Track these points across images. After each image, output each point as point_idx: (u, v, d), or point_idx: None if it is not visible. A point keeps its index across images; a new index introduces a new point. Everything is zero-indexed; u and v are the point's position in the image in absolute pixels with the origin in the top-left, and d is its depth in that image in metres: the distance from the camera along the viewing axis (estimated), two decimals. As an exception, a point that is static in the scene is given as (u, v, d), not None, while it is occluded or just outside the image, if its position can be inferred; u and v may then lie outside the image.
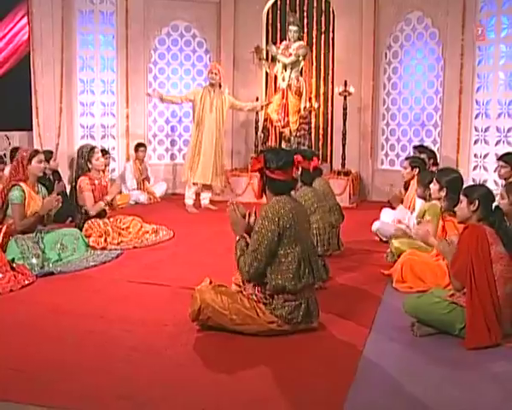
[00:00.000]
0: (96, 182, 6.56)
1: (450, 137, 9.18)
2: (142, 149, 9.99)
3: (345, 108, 9.43)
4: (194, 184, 8.89)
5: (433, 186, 5.09)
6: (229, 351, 3.49)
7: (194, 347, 3.54)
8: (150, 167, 10.29)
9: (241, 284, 4.00)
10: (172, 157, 11.06)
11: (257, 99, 10.07)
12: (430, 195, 5.21)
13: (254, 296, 3.72)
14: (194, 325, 3.77)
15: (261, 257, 3.57)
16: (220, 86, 9.08)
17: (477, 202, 3.75)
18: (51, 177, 8.22)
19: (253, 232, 3.60)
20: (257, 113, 10.12)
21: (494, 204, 3.77)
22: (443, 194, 4.84)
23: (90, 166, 6.55)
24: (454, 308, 3.69)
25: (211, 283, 3.89)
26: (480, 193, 3.79)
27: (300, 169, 4.77)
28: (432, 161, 7.80)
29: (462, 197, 3.84)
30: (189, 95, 9.10)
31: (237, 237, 3.74)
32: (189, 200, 8.94)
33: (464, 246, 3.63)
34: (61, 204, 5.75)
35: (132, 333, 3.72)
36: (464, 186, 4.11)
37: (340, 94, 9.47)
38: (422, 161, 6.61)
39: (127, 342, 3.57)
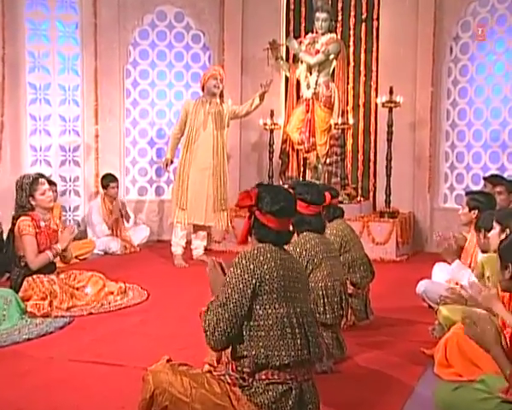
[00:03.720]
0: (43, 224, 6.66)
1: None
2: (113, 185, 10.08)
3: (390, 125, 9.54)
4: (178, 224, 8.99)
5: (493, 231, 5.11)
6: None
7: (140, 449, 3.58)
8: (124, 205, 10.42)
9: (215, 363, 4.05)
10: (158, 192, 11.27)
11: (271, 113, 10.24)
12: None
13: (227, 377, 3.72)
14: (146, 419, 3.81)
15: (230, 316, 3.55)
16: (221, 96, 9.22)
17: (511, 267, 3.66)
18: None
19: (223, 284, 3.62)
20: (271, 131, 10.27)
21: None
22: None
23: (33, 203, 6.66)
24: (508, 410, 3.56)
25: (169, 361, 3.93)
26: None
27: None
28: (512, 195, 7.80)
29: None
30: (183, 116, 9.09)
31: (213, 297, 3.76)
32: (178, 248, 9.06)
33: None
34: None
35: (58, 430, 3.79)
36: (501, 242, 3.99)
37: (383, 105, 9.58)
38: (488, 199, 6.56)
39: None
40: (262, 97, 9.17)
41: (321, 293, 4.90)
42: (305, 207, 4.95)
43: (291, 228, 3.87)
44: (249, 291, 3.55)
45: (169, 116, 11.16)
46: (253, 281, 3.55)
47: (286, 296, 3.65)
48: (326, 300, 4.91)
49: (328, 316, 4.92)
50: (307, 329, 3.75)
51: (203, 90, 9.11)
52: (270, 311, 3.59)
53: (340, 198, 7.97)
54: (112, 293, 6.93)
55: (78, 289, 6.80)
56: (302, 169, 10.67)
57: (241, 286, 3.54)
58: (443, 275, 6.73)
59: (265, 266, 3.58)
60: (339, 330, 5.11)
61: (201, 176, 8.87)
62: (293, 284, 3.73)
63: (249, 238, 3.85)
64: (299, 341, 3.67)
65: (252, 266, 3.55)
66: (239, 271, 3.56)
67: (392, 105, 9.51)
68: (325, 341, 4.88)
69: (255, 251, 3.62)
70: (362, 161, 10.77)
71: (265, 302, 3.59)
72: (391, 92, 9.46)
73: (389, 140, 9.58)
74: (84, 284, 6.88)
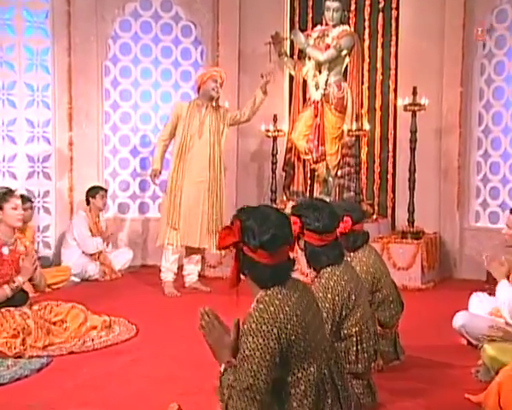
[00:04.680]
0: (6, 251, 6.49)
1: None
2: (102, 193, 10.18)
3: (413, 131, 9.48)
4: (170, 246, 8.91)
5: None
6: None
7: None
8: (105, 224, 10.43)
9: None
10: (142, 209, 11.23)
11: (274, 118, 10.21)
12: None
13: (248, 438, 3.63)
14: None
15: (261, 397, 3.41)
16: (217, 99, 9.16)
17: None
18: None
19: (240, 359, 3.45)
20: (274, 138, 10.24)
21: None
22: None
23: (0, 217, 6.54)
24: None
25: (179, 411, 3.85)
26: None
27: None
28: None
29: None
30: (173, 120, 8.99)
31: (221, 367, 3.60)
32: (168, 274, 9.00)
33: None
34: None
35: None
36: None
37: (405, 109, 9.52)
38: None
39: None
40: (265, 90, 9.16)
41: (355, 340, 4.76)
42: (317, 239, 4.67)
43: (291, 255, 3.66)
44: (277, 360, 3.42)
45: (155, 121, 11.12)
46: (280, 347, 3.41)
47: (311, 348, 3.55)
48: (360, 346, 4.78)
49: (360, 365, 4.80)
50: (334, 372, 3.70)
51: (198, 91, 9.08)
52: (299, 375, 3.51)
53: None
54: (95, 328, 6.84)
55: (55, 323, 6.71)
56: (309, 182, 10.64)
57: (268, 358, 3.39)
58: (483, 306, 6.67)
59: (289, 326, 3.44)
60: (370, 375, 5.00)
61: (196, 190, 8.84)
62: (315, 327, 3.64)
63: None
64: (330, 400, 3.60)
65: (275, 331, 3.39)
66: (261, 339, 3.39)
67: (416, 108, 9.45)
68: (355, 390, 4.76)
69: (271, 308, 3.44)
70: (378, 173, 10.75)
71: (293, 366, 3.50)
72: (414, 93, 9.40)
73: (412, 149, 9.50)
74: (63, 318, 6.78)
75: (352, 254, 5.66)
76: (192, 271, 9.20)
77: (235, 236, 3.52)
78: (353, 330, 4.77)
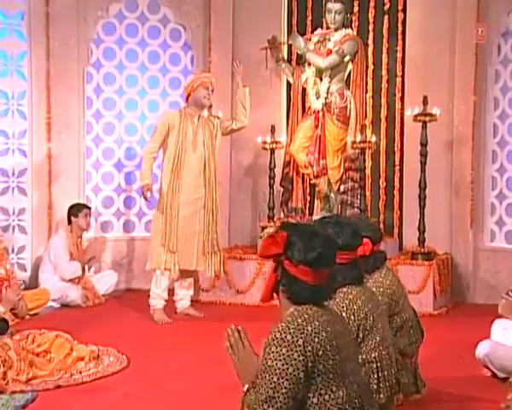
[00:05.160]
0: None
1: None
2: (86, 211, 10.10)
3: (424, 144, 9.42)
4: (167, 271, 8.81)
5: None
6: None
7: None
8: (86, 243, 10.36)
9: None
10: (127, 227, 11.18)
11: (272, 129, 10.18)
12: None
13: None
14: None
15: None
16: (210, 107, 9.10)
17: None
18: None
19: (262, 370, 3.44)
20: (272, 151, 10.23)
21: None
22: None
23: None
24: None
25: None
26: None
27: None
28: None
29: None
30: (162, 131, 8.84)
31: (245, 387, 3.60)
32: (159, 302, 8.89)
33: None
34: None
35: None
36: None
37: (415, 119, 9.49)
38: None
39: None
40: (244, 84, 9.18)
41: (375, 366, 4.69)
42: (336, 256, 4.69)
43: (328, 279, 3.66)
44: (302, 375, 3.38)
45: (141, 132, 11.07)
46: (305, 361, 3.39)
47: (341, 371, 3.51)
48: (381, 374, 4.71)
49: (382, 395, 4.72)
50: (366, 406, 3.62)
51: (187, 100, 8.98)
52: (326, 397, 3.45)
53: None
54: (82, 359, 6.74)
55: (38, 354, 6.60)
56: (309, 199, 10.63)
57: (290, 370, 3.36)
58: (508, 334, 6.62)
59: (316, 340, 3.42)
60: (393, 409, 4.93)
61: (193, 208, 8.77)
62: (346, 352, 3.60)
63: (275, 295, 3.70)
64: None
65: (301, 342, 3.39)
66: (284, 350, 3.38)
67: (427, 119, 9.41)
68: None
69: (299, 320, 3.46)
70: (384, 189, 10.70)
71: (320, 386, 3.44)
72: (425, 102, 9.36)
73: (423, 163, 9.45)
74: (47, 348, 6.68)
75: (369, 275, 5.61)
76: (184, 296, 9.09)
77: (279, 247, 3.55)
78: (372, 355, 4.68)
